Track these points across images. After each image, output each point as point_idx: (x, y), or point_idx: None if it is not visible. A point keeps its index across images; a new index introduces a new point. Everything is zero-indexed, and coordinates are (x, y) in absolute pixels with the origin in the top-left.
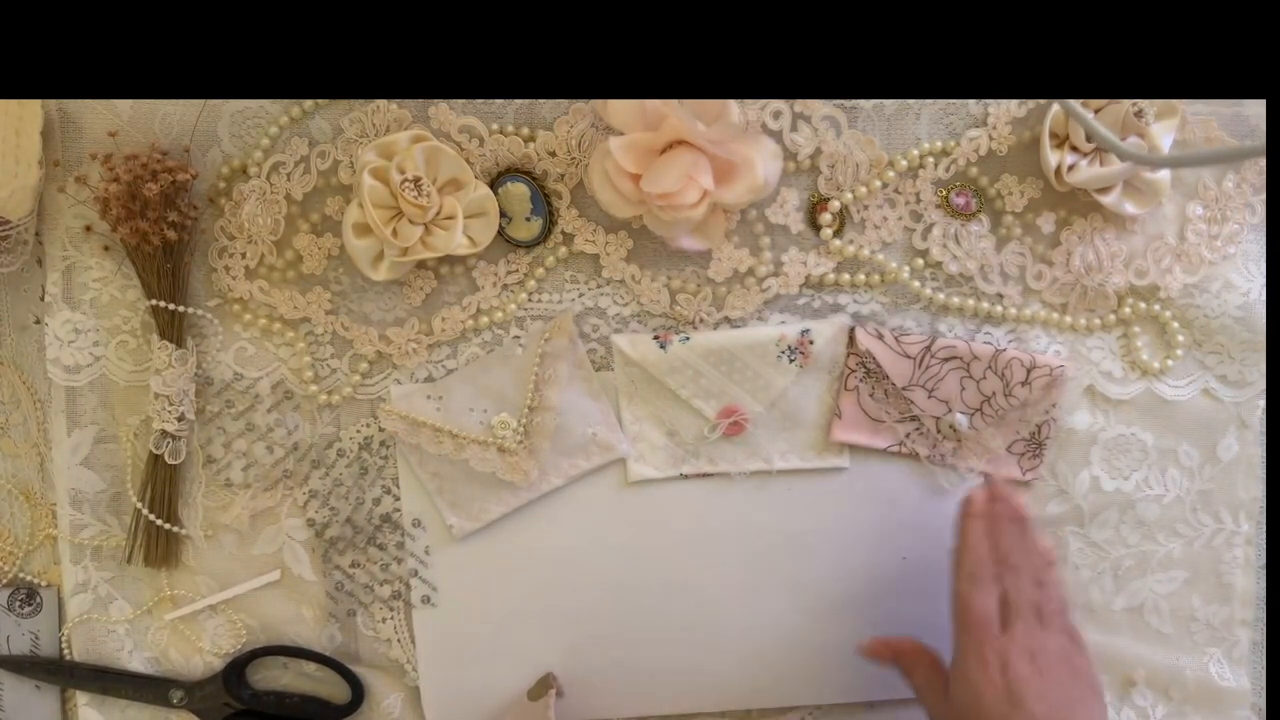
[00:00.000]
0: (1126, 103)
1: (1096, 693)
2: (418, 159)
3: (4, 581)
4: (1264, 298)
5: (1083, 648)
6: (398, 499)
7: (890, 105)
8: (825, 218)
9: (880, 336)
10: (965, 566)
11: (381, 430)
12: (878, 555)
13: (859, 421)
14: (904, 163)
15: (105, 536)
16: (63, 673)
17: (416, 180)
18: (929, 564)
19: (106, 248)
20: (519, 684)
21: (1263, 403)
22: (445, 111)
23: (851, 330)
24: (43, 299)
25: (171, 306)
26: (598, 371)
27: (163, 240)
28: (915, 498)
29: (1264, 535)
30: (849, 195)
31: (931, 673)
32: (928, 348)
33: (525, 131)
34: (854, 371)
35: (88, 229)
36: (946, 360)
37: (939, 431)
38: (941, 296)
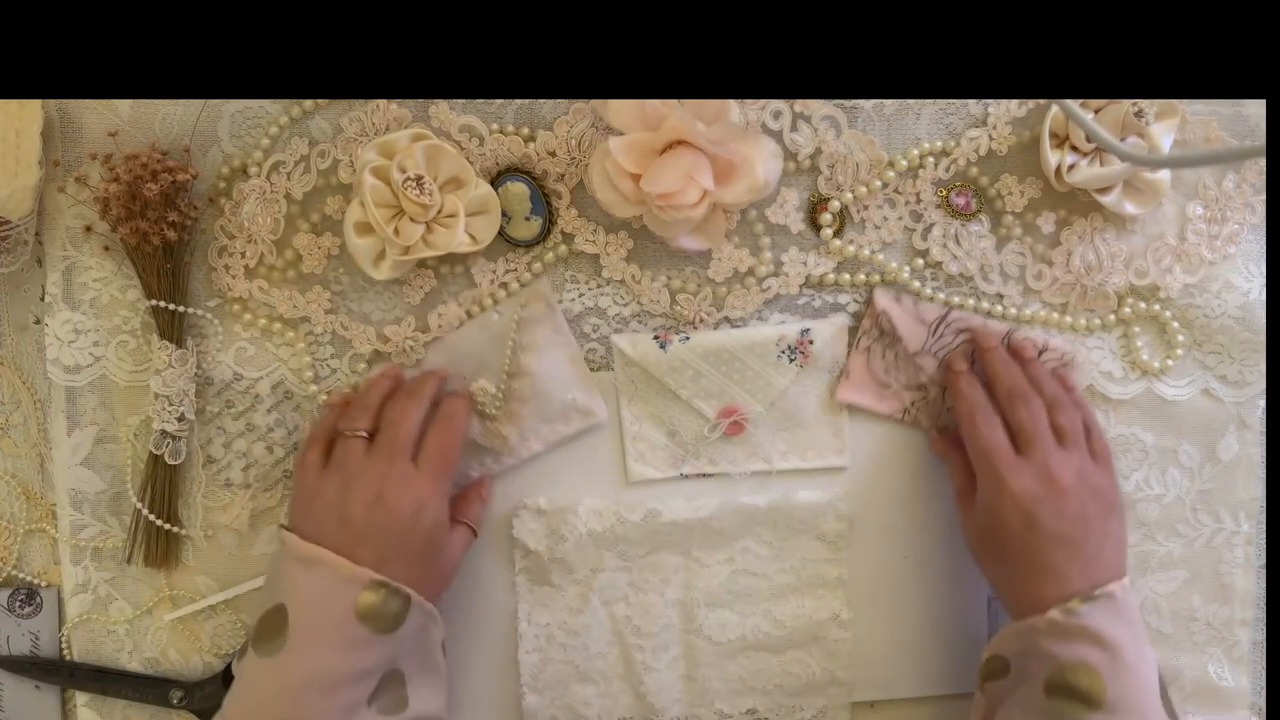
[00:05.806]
0: (1126, 103)
1: (1114, 509)
2: (419, 157)
3: (1, 579)
4: (1264, 298)
5: (1104, 466)
6: None
7: (890, 105)
8: (825, 218)
9: (898, 299)
10: (962, 410)
11: None
12: (879, 555)
13: (866, 383)
14: (904, 163)
15: (105, 537)
16: (63, 673)
17: (418, 179)
18: (930, 563)
19: (106, 248)
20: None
21: (1263, 403)
22: (445, 111)
23: (871, 292)
24: (43, 299)
25: (171, 306)
26: (597, 372)
27: (163, 240)
28: (916, 498)
29: (1264, 535)
30: (849, 195)
31: (966, 485)
32: (943, 317)
33: (525, 131)
34: (868, 332)
35: (88, 229)
36: (960, 332)
37: (944, 403)
38: (942, 296)
